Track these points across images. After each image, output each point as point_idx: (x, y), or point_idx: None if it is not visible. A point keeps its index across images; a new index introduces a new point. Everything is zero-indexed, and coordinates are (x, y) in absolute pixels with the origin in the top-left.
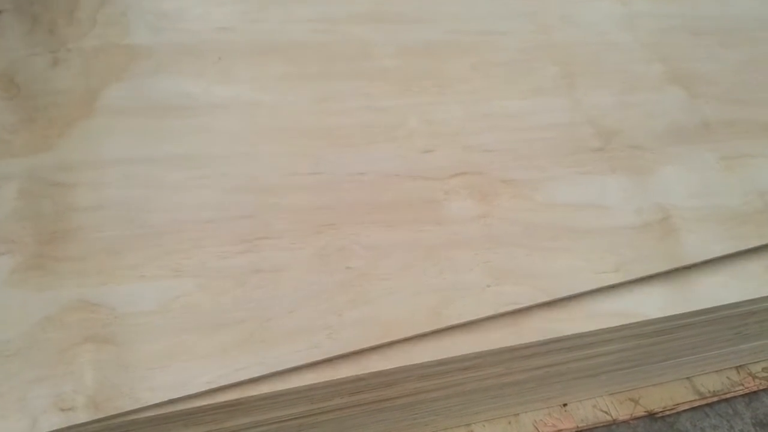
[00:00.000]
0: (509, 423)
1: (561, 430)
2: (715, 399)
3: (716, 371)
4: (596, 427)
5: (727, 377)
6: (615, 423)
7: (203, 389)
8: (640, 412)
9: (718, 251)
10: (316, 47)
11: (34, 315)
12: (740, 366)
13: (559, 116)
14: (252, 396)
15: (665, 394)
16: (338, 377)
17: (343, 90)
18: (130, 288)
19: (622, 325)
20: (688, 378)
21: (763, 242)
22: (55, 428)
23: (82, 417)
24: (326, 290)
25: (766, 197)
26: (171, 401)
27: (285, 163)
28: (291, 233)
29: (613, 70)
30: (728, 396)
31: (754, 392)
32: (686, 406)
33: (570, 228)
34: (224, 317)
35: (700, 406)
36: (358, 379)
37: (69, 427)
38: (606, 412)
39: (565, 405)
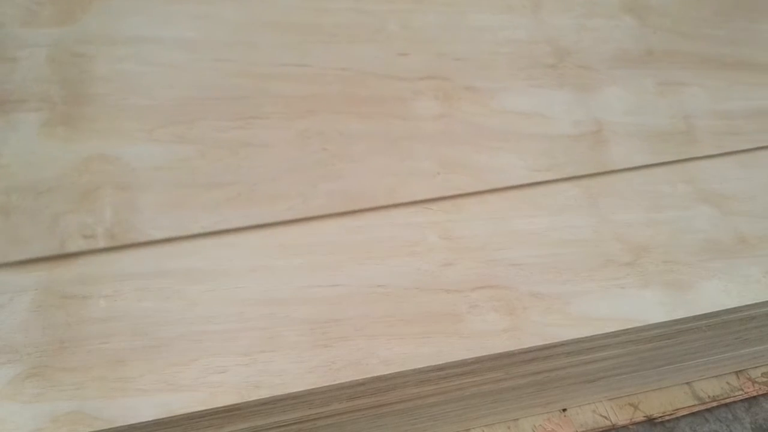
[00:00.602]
0: (508, 428)
1: None
2: (714, 404)
3: (716, 376)
4: None
5: (727, 382)
6: (614, 428)
7: (197, 232)
8: (639, 417)
9: (638, 162)
10: None
11: (62, 161)
12: (740, 371)
13: (522, 33)
14: (250, 401)
15: (665, 399)
16: (337, 382)
17: None
18: (143, 147)
19: (622, 330)
20: (687, 383)
21: (679, 158)
22: (78, 250)
23: (101, 243)
24: (304, 165)
25: (691, 120)
26: (168, 410)
27: (278, 54)
28: (278, 116)
29: None
30: (728, 401)
31: (754, 397)
32: (686, 411)
33: (515, 132)
34: (218, 179)
35: (699, 411)
36: (357, 384)
37: None
38: (605, 417)
39: (564, 410)
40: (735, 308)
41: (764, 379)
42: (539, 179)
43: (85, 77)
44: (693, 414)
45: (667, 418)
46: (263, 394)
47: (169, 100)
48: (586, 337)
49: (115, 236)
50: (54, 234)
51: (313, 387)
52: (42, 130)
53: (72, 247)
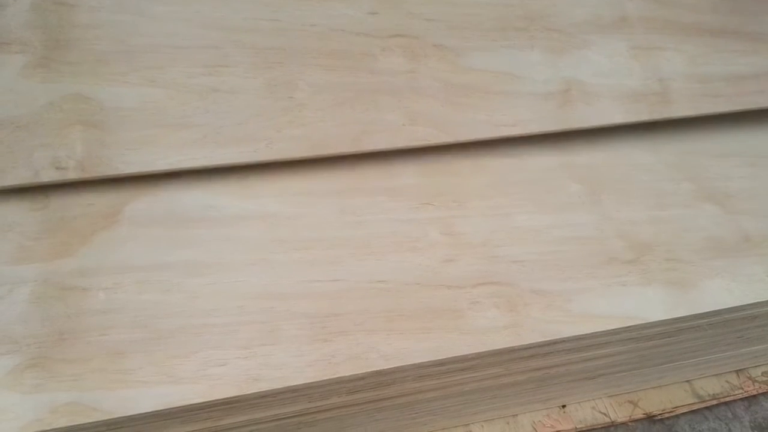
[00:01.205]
0: (507, 423)
1: (559, 431)
2: (714, 402)
3: (716, 375)
4: (594, 429)
5: (727, 381)
6: (613, 425)
7: (163, 169)
8: (638, 414)
9: (606, 120)
10: None
11: (39, 100)
12: (740, 370)
13: None
14: (250, 394)
15: (664, 397)
16: (336, 376)
17: None
18: (116, 89)
19: (623, 328)
20: (687, 381)
21: (653, 118)
22: (50, 180)
23: (71, 175)
24: (270, 112)
25: (666, 83)
26: (167, 403)
27: (250, 8)
28: (247, 65)
29: None
30: (728, 399)
31: (754, 396)
32: (685, 409)
33: (483, 89)
34: (185, 121)
35: (699, 409)
36: (357, 378)
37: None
38: (605, 414)
39: (564, 406)
40: (737, 307)
41: (764, 378)
42: (504, 134)
43: (65, 24)
44: (693, 412)
45: (666, 415)
46: (263, 387)
47: (142, 47)
48: (587, 334)
49: (85, 169)
50: (29, 165)
51: (313, 381)
52: (22, 71)
53: (45, 178)
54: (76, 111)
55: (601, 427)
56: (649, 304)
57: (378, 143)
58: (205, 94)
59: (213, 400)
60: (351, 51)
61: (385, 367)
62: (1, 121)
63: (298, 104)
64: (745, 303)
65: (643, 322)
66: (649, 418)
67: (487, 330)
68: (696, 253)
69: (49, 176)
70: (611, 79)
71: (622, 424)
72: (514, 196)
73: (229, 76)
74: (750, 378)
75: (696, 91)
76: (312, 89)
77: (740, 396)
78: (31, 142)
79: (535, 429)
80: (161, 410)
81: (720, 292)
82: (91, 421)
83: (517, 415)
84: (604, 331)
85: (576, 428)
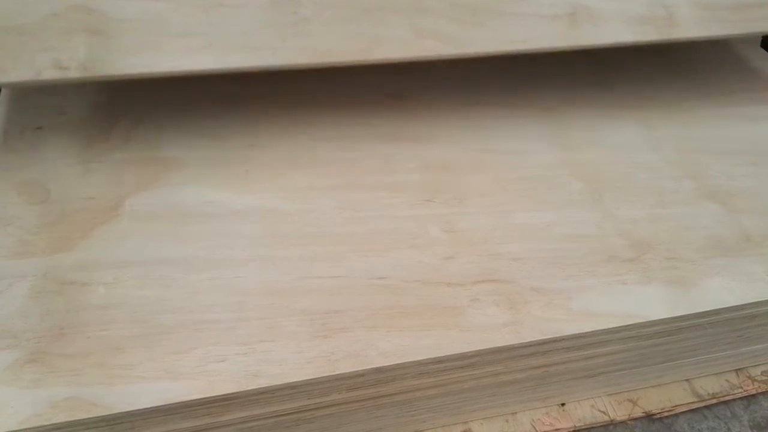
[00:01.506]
0: (506, 421)
1: (558, 429)
2: (713, 401)
3: (715, 374)
4: (594, 427)
5: (726, 380)
6: (613, 423)
7: (165, 70)
8: (638, 412)
9: (616, 39)
10: None
11: (43, 11)
12: (740, 369)
13: None
14: (249, 390)
15: (663, 396)
16: (335, 373)
17: None
18: (120, 2)
19: (623, 326)
20: (687, 380)
21: (661, 38)
22: (52, 78)
23: (73, 74)
24: (276, 25)
25: (671, 9)
26: (166, 398)
27: None
28: None
29: None
30: (727, 398)
31: (753, 395)
32: (684, 408)
33: (489, 10)
34: (188, 31)
35: (698, 408)
36: (357, 375)
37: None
38: (604, 413)
39: (563, 404)
40: (737, 306)
41: (764, 378)
42: (515, 48)
43: None
44: (692, 411)
45: (665, 414)
46: (262, 383)
47: None
48: (587, 332)
49: (87, 69)
50: (31, 66)
51: (312, 377)
52: None
53: (46, 76)
54: (80, 20)
55: (600, 426)
56: (650, 302)
57: (387, 53)
58: (210, 9)
59: (212, 396)
60: None
61: (385, 364)
62: (4, 27)
63: (303, 19)
64: (745, 302)
65: (643, 320)
66: (649, 417)
67: (487, 327)
68: (696, 251)
69: (50, 75)
70: (616, 4)
71: (622, 422)
72: (515, 194)
73: None
74: (749, 377)
75: (702, 17)
76: (316, 6)
77: (739, 395)
78: (33, 46)
79: (534, 427)
80: (160, 406)
81: (720, 291)
82: (90, 416)
83: (516, 413)
84: (604, 330)
85: (575, 426)
